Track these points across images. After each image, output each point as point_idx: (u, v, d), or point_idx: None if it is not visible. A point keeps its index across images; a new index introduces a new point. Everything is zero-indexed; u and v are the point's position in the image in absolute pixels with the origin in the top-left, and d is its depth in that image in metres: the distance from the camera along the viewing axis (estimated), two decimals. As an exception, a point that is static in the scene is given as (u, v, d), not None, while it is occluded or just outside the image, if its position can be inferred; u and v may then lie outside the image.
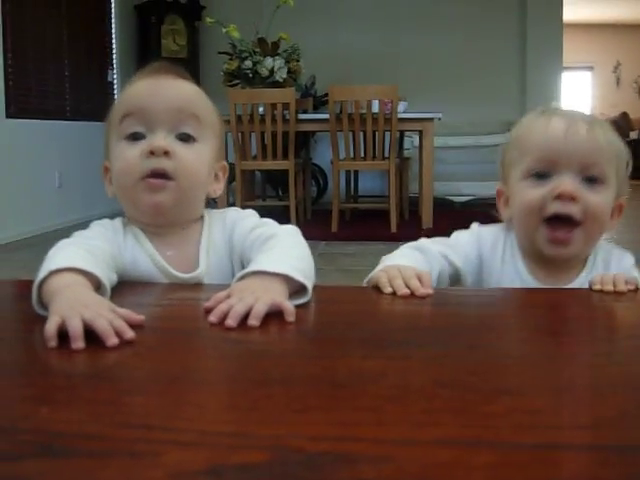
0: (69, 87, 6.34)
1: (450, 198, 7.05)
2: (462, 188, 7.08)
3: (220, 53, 5.97)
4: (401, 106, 5.52)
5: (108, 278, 0.90)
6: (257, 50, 5.74)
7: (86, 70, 6.69)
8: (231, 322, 0.77)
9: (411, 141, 6.95)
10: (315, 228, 5.72)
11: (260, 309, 0.79)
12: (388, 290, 0.92)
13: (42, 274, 0.83)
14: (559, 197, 1.05)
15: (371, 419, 0.53)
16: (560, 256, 1.10)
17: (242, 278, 0.88)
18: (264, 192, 6.53)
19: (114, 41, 7.23)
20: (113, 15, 7.19)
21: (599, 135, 1.07)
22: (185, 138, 1.04)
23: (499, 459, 0.46)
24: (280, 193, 6.82)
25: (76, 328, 0.70)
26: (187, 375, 0.64)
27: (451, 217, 5.52)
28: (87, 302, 0.77)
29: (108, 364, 0.67)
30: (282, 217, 5.04)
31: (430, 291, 0.91)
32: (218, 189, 1.13)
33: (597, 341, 0.72)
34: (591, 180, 1.06)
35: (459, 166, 7.25)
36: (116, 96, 7.25)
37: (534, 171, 1.09)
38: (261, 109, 5.34)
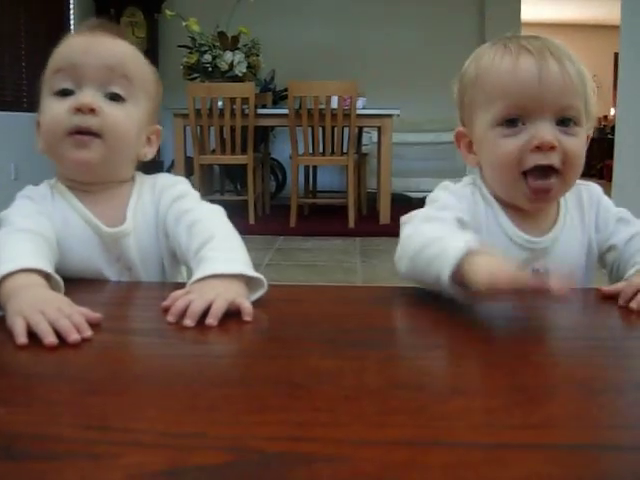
0: (26, 79, 6.25)
1: (408, 194, 7.09)
2: (420, 184, 7.11)
3: (180, 47, 5.93)
4: (360, 102, 5.54)
5: (54, 266, 0.90)
6: (217, 44, 5.72)
7: (44, 61, 6.58)
8: (189, 322, 0.78)
9: (370, 137, 6.97)
10: (273, 223, 5.72)
11: (220, 305, 0.79)
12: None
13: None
14: (538, 148, 0.99)
15: (328, 419, 0.53)
16: (541, 208, 1.08)
17: (198, 281, 0.87)
18: (223, 186, 6.50)
19: (72, 33, 7.14)
20: (71, 6, 7.09)
21: (570, 70, 1.00)
22: (114, 97, 1.04)
23: (454, 459, 0.47)
24: (239, 187, 6.80)
25: (42, 325, 0.71)
26: (146, 376, 0.64)
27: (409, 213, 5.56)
28: (46, 300, 0.77)
29: (66, 365, 0.67)
30: (240, 211, 5.00)
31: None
32: (150, 152, 1.14)
33: (550, 342, 0.74)
34: (566, 122, 1.01)
35: (418, 162, 7.29)
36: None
37: (506, 119, 1.02)
38: (220, 103, 5.32)
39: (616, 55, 4.07)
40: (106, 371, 0.65)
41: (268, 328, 0.82)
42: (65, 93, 1.03)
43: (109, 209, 1.08)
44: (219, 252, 0.95)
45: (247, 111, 5.35)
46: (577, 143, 1.01)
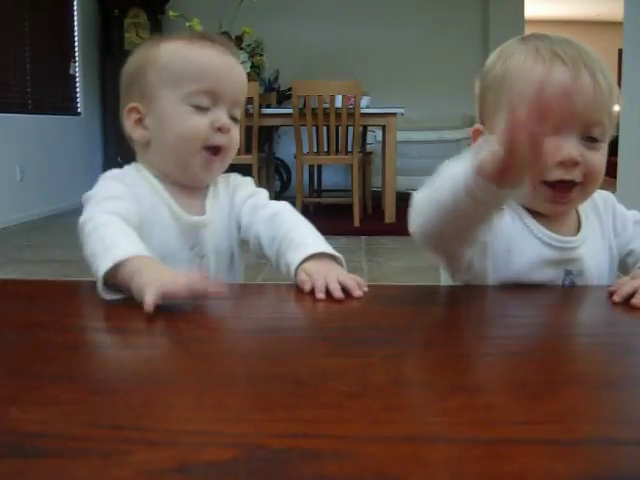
0: (31, 80, 6.27)
1: (413, 192, 7.08)
2: (425, 182, 7.11)
3: (183, 47, 5.93)
4: (364, 101, 5.54)
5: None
6: (220, 44, 5.71)
7: (48, 63, 6.61)
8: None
9: (374, 136, 6.97)
10: (279, 222, 5.71)
11: (350, 284, 0.94)
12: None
13: (106, 264, 0.89)
14: (562, 164, 0.99)
15: (333, 416, 0.54)
16: (558, 214, 1.07)
17: (307, 260, 1.02)
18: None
19: (76, 34, 7.15)
20: (75, 8, 7.10)
21: (602, 83, 0.97)
22: (235, 118, 1.17)
23: (456, 454, 0.48)
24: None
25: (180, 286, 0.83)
26: (155, 375, 0.65)
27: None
28: (170, 271, 0.89)
29: (76, 365, 0.68)
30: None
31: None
32: None
33: (550, 339, 0.74)
34: (592, 135, 0.99)
35: (422, 161, 7.28)
36: (78, 90, 7.18)
37: None
38: (224, 103, 5.32)
39: (620, 52, 4.06)
40: (115, 371, 0.66)
41: (273, 327, 0.83)
42: (201, 108, 1.13)
43: (191, 201, 1.18)
44: (310, 238, 1.10)
45: (251, 111, 5.36)
46: (600, 158, 1.01)
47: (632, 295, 0.89)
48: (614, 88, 1.01)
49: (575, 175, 1.00)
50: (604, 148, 1.02)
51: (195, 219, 1.17)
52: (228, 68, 1.16)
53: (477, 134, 1.11)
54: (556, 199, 1.02)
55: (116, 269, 0.89)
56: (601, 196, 1.15)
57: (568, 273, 1.07)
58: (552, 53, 0.98)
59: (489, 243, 1.03)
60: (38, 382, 0.63)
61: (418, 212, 0.96)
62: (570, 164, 0.99)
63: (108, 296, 0.89)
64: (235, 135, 1.17)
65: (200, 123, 1.12)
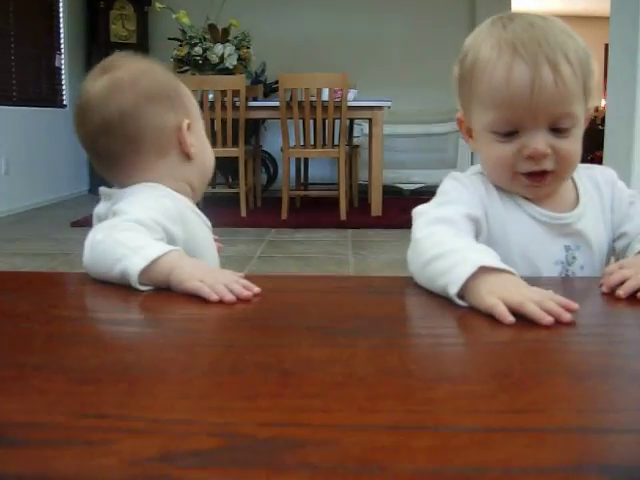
0: (16, 72, 6.23)
1: (399, 186, 7.10)
2: (412, 176, 7.13)
3: (170, 39, 5.92)
4: (351, 94, 5.55)
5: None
6: (207, 36, 5.71)
7: (33, 55, 6.58)
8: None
9: (361, 129, 6.98)
10: (265, 215, 5.72)
11: None
12: (510, 320, 0.76)
13: (142, 263, 0.90)
14: (530, 157, 1.02)
15: (317, 405, 0.54)
16: (539, 195, 1.09)
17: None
18: (214, 179, 6.49)
19: (62, 26, 7.11)
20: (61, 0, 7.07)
21: (565, 73, 0.99)
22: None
23: (440, 442, 0.48)
24: (230, 180, 6.80)
25: (219, 286, 0.86)
26: (138, 365, 0.65)
27: (400, 205, 5.57)
28: (209, 267, 0.96)
29: (60, 355, 0.68)
30: (232, 204, 5.00)
31: (575, 307, 0.78)
32: None
33: (535, 329, 0.75)
34: (561, 124, 1.02)
35: (409, 154, 7.31)
36: (64, 82, 7.15)
37: (499, 129, 1.03)
38: (211, 96, 5.32)
39: (606, 46, 4.08)
40: (99, 361, 0.66)
41: (259, 317, 0.83)
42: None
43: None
44: None
45: (238, 104, 5.35)
46: (571, 144, 1.03)
47: (620, 285, 0.90)
48: (585, 65, 1.02)
49: (546, 165, 1.03)
50: (576, 133, 1.04)
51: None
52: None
53: (461, 123, 1.14)
54: (532, 185, 1.06)
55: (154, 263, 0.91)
56: (602, 172, 1.17)
57: (567, 249, 1.10)
58: (513, 49, 1.00)
59: (484, 229, 1.07)
60: (22, 372, 0.63)
61: (412, 261, 0.97)
62: (538, 157, 1.02)
63: (144, 287, 0.91)
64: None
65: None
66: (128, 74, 1.15)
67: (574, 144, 1.04)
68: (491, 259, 0.87)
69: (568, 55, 0.99)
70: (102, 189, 1.18)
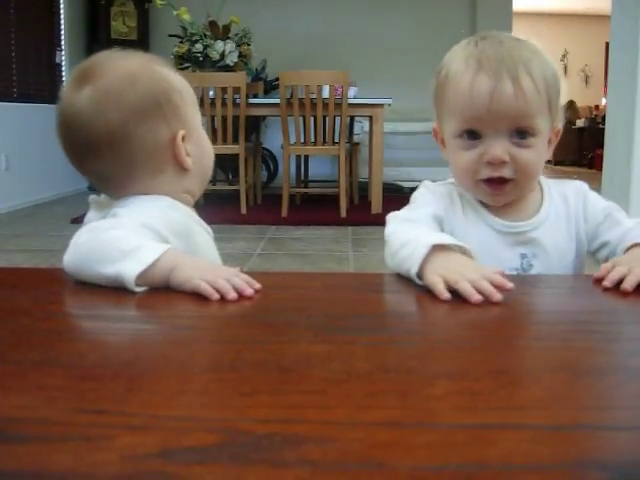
0: (16, 69, 6.23)
1: (399, 183, 7.10)
2: (411, 173, 7.13)
3: (170, 36, 5.92)
4: (351, 91, 5.55)
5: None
6: (208, 33, 5.71)
7: (34, 52, 6.57)
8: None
9: (361, 126, 6.98)
10: (265, 212, 5.72)
11: None
12: (445, 296, 0.84)
13: (139, 267, 0.87)
14: (489, 163, 1.08)
15: (317, 402, 0.54)
16: (500, 203, 1.15)
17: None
18: (214, 176, 6.49)
19: (62, 22, 7.10)
20: (61, -4, 7.07)
21: (526, 86, 1.05)
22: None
23: (439, 439, 0.48)
24: (230, 177, 6.80)
25: (225, 285, 0.85)
26: (138, 361, 0.65)
27: (400, 202, 5.55)
28: (216, 268, 0.92)
29: (60, 351, 0.68)
30: (232, 201, 4.99)
31: (509, 287, 0.85)
32: None
33: (534, 325, 0.75)
34: (521, 134, 1.08)
35: (409, 152, 7.30)
36: (64, 78, 7.14)
37: (464, 132, 1.10)
38: (211, 93, 5.32)
39: (607, 45, 4.08)
40: (98, 357, 0.66)
41: (258, 314, 0.83)
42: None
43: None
44: None
45: (238, 101, 5.35)
46: (530, 154, 1.09)
47: (622, 281, 0.92)
48: (546, 79, 1.08)
49: (504, 172, 1.09)
50: (538, 143, 1.10)
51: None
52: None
53: (436, 133, 1.23)
54: (492, 192, 1.12)
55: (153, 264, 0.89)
56: (572, 186, 1.23)
57: (523, 256, 1.15)
58: (478, 63, 1.07)
59: (446, 230, 1.14)
60: (21, 368, 0.63)
61: (386, 254, 1.06)
62: (496, 162, 1.08)
63: (139, 289, 0.87)
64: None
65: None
66: (113, 86, 1.04)
67: (534, 155, 1.09)
68: (441, 237, 0.97)
69: (531, 71, 1.06)
70: (92, 197, 1.12)
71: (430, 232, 1.03)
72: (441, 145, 1.21)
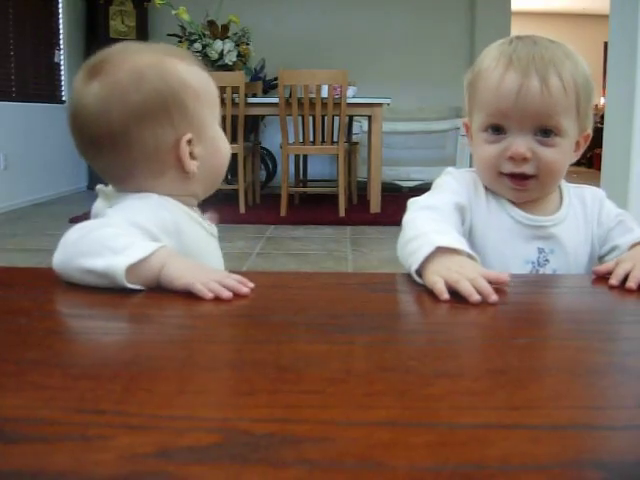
0: (15, 68, 6.22)
1: (398, 183, 7.10)
2: (410, 173, 7.13)
3: (169, 35, 5.91)
4: (350, 91, 5.54)
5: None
6: (207, 33, 5.71)
7: (32, 51, 6.57)
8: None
9: (360, 126, 6.97)
10: (264, 212, 5.72)
11: None
12: (445, 297, 0.84)
13: (129, 260, 0.86)
14: (511, 158, 1.10)
15: (315, 401, 0.54)
16: (521, 199, 1.16)
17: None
18: (213, 175, 6.48)
19: (61, 22, 7.09)
20: (60, -5, 7.06)
21: (554, 87, 1.07)
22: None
23: (438, 439, 0.48)
24: (229, 177, 6.79)
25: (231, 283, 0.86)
26: (136, 361, 0.65)
27: (399, 202, 5.56)
28: (207, 269, 0.92)
29: (58, 350, 0.68)
30: (231, 200, 4.99)
31: (504, 279, 0.88)
32: None
33: (534, 325, 0.75)
34: (547, 133, 1.10)
35: (408, 151, 7.30)
36: (63, 78, 7.13)
37: (489, 126, 1.12)
38: (210, 92, 5.30)
39: (606, 45, 4.08)
40: (97, 357, 0.66)
41: (257, 314, 0.83)
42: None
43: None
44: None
45: (237, 100, 5.35)
46: (554, 153, 1.10)
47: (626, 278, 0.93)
48: (577, 82, 1.09)
49: (526, 169, 1.11)
50: (563, 143, 1.11)
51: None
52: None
53: (467, 127, 1.23)
54: (514, 187, 1.14)
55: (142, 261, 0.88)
56: (591, 191, 1.24)
57: (540, 251, 1.16)
58: (508, 60, 1.10)
59: (468, 218, 1.15)
60: (19, 367, 0.63)
61: (399, 242, 1.06)
62: (518, 158, 1.10)
63: (130, 285, 0.87)
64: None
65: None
66: (119, 83, 1.02)
67: (557, 154, 1.11)
68: (449, 239, 0.95)
69: (560, 72, 1.08)
70: (99, 187, 1.10)
71: (441, 230, 1.00)
72: (469, 139, 1.22)
